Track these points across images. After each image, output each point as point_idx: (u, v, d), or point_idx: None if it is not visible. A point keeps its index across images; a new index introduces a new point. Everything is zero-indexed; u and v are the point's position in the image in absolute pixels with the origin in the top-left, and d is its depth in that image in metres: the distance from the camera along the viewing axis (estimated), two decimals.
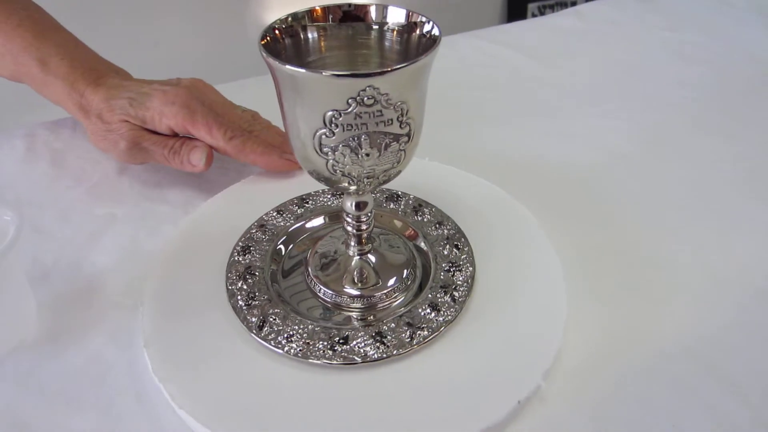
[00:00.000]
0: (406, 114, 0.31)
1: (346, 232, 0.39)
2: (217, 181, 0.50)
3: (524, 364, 0.35)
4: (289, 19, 0.32)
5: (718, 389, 0.35)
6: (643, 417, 0.34)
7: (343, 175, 0.32)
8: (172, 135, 0.48)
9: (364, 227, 0.38)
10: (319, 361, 0.34)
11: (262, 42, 0.30)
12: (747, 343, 0.38)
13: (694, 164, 0.54)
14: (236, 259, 0.40)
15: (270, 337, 0.35)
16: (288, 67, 0.29)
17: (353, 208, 0.37)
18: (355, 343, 0.35)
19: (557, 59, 0.71)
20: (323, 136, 0.30)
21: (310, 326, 0.36)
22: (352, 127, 0.30)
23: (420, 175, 0.47)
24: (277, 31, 0.31)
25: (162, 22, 1.14)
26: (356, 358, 0.34)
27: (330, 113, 0.29)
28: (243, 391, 0.33)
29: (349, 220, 0.38)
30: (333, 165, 0.32)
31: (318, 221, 0.45)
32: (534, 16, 1.48)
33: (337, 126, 0.30)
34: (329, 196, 0.46)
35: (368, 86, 0.28)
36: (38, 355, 0.37)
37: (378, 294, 0.39)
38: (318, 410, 0.32)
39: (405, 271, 0.40)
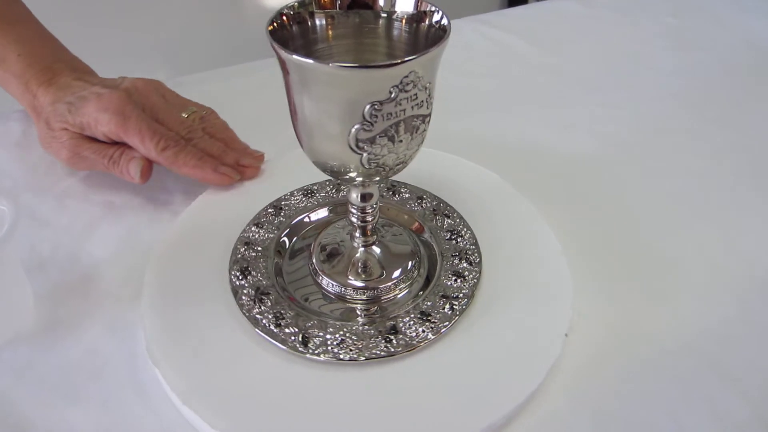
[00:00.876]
0: (432, 93, 0.31)
1: (351, 223, 0.38)
2: None
3: (552, 310, 0.37)
4: (296, 5, 0.31)
5: (720, 385, 0.35)
6: (644, 413, 0.33)
7: (378, 166, 0.31)
8: (112, 142, 0.45)
9: (369, 219, 0.38)
10: (383, 356, 0.34)
11: (270, 28, 0.29)
12: (748, 339, 0.38)
13: (695, 155, 0.53)
14: (239, 283, 0.38)
15: (319, 350, 0.34)
16: (327, 65, 0.28)
17: (359, 199, 0.36)
18: (404, 329, 0.35)
19: (560, 45, 0.70)
20: (361, 131, 0.30)
21: (355, 327, 0.35)
22: (391, 115, 0.29)
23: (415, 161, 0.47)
24: (284, 18, 0.30)
25: (160, 7, 1.12)
26: (415, 342, 0.34)
27: (369, 107, 0.29)
28: (257, 390, 0.33)
29: (354, 211, 0.37)
30: (369, 158, 0.31)
31: (323, 212, 0.44)
32: None
33: (377, 117, 0.29)
34: (301, 196, 0.45)
35: (411, 71, 0.28)
36: (35, 346, 0.36)
37: (383, 286, 0.38)
38: (381, 404, 0.32)
39: (410, 262, 0.39)
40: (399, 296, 0.38)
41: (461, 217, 0.42)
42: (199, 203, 0.44)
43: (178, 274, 0.39)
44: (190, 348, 0.35)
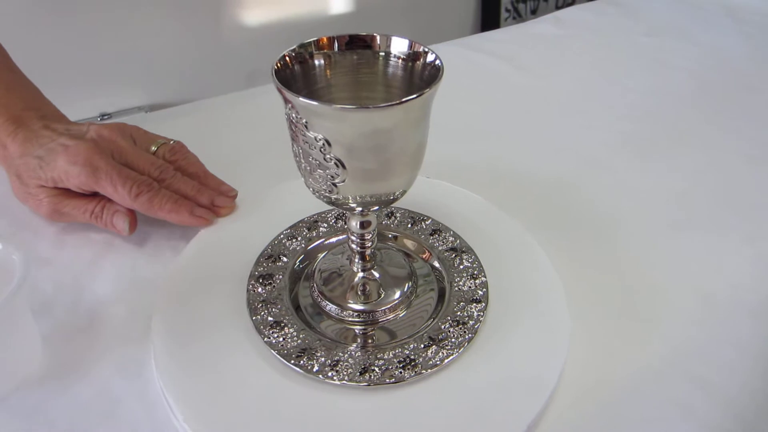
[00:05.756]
0: None
1: (351, 249, 0.40)
2: None
3: (551, 337, 0.38)
4: (298, 48, 0.32)
5: (713, 407, 0.36)
6: None
7: None
8: (90, 193, 0.45)
9: (368, 244, 0.39)
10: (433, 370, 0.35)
11: (276, 68, 0.31)
12: (739, 361, 0.38)
13: (677, 176, 0.54)
14: (272, 342, 0.37)
15: (333, 375, 0.35)
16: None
17: (358, 227, 0.37)
18: (445, 340, 0.37)
19: (540, 68, 0.72)
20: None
21: (355, 349, 0.37)
22: None
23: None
24: (287, 59, 0.32)
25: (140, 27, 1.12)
26: (455, 354, 0.36)
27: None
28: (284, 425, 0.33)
29: (353, 238, 0.39)
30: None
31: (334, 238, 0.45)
32: (507, 11, 1.47)
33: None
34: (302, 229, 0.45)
35: None
36: (44, 390, 0.36)
37: (381, 309, 0.39)
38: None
39: (407, 284, 0.41)
40: (400, 316, 0.39)
41: (453, 231, 0.44)
42: (199, 239, 0.45)
43: (187, 309, 0.39)
44: (206, 384, 0.35)
